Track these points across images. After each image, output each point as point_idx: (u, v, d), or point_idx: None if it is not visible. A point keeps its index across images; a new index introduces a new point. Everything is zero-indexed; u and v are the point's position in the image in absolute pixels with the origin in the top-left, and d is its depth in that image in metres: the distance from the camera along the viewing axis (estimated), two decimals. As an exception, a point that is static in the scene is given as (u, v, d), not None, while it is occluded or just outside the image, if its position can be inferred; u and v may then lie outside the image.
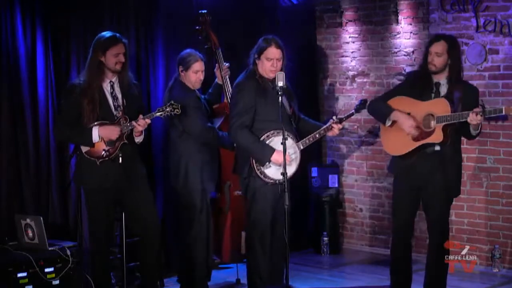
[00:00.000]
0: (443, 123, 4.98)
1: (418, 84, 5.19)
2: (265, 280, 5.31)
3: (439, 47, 5.09)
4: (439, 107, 5.02)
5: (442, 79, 5.15)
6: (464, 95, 5.05)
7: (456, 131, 5.08)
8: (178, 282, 5.84)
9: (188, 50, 5.62)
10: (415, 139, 5.09)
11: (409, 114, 5.13)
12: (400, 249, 5.37)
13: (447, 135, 5.01)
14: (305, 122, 5.44)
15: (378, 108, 5.30)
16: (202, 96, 5.78)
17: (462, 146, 6.47)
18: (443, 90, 5.14)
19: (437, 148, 5.10)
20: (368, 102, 5.46)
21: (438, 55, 5.09)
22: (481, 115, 4.85)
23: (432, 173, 5.12)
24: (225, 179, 5.99)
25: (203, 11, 6.07)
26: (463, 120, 4.90)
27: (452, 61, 5.11)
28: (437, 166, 5.11)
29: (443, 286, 5.35)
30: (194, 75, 5.52)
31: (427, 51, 5.14)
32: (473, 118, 4.85)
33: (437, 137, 5.02)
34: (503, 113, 4.85)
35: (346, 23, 7.23)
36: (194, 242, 5.55)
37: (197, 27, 6.05)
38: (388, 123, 5.22)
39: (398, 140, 5.17)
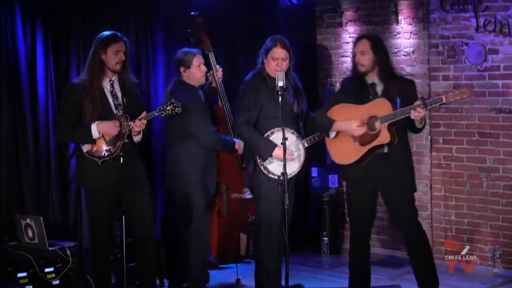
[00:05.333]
0: (388, 123, 4.97)
1: (354, 89, 5.16)
2: (273, 278, 5.33)
3: (361, 46, 5.13)
4: (380, 107, 5.01)
5: (375, 79, 5.15)
6: (401, 90, 5.05)
7: (400, 126, 5.05)
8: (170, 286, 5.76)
9: (182, 50, 5.57)
10: (362, 144, 5.06)
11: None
12: (359, 256, 5.34)
13: (393, 134, 5.00)
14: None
15: (320, 122, 5.25)
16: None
17: (462, 147, 6.54)
18: (380, 89, 5.13)
19: (386, 150, 5.07)
20: (312, 116, 5.44)
21: (363, 53, 5.10)
22: (422, 108, 4.85)
23: (387, 174, 5.09)
24: (221, 182, 5.98)
25: (194, 13, 5.98)
26: (406, 115, 4.91)
27: (378, 58, 5.10)
28: (390, 166, 5.08)
29: (436, 278, 5.24)
30: (198, 70, 5.49)
31: (354, 54, 5.17)
32: (416, 114, 4.86)
33: (384, 138, 5.00)
34: (443, 101, 4.87)
35: (346, 23, 7.23)
36: (190, 243, 5.50)
37: (189, 30, 5.97)
38: (332, 135, 5.20)
39: (346, 148, 5.14)
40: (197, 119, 5.37)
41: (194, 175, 5.45)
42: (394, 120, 4.94)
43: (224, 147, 5.57)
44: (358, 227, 5.29)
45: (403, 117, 4.92)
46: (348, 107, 5.13)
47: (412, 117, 4.89)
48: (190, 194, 5.47)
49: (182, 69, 5.50)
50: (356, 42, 5.20)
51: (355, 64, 5.16)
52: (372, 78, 5.14)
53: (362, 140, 5.06)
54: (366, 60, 5.10)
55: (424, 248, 5.19)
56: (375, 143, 5.02)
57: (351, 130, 5.07)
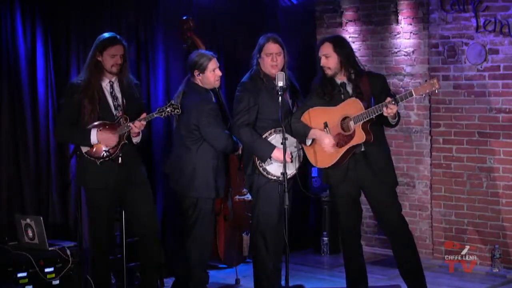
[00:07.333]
0: (361, 122, 4.95)
1: (324, 91, 5.14)
2: (272, 278, 5.33)
3: (324, 49, 5.10)
4: (352, 107, 5.00)
5: (344, 79, 5.13)
6: (372, 86, 5.05)
7: (375, 123, 5.03)
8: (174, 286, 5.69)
9: (197, 52, 5.46)
10: (339, 145, 5.06)
11: (326, 123, 5.10)
12: (353, 255, 5.35)
13: (368, 132, 4.98)
14: None
15: (297, 129, 5.22)
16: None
17: (462, 147, 6.54)
18: (350, 88, 5.12)
19: (363, 149, 5.06)
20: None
21: (327, 57, 5.08)
22: (393, 104, 4.83)
23: (366, 172, 5.09)
24: (227, 186, 5.93)
25: (185, 17, 5.89)
26: (379, 113, 4.89)
27: (343, 58, 5.08)
28: (369, 164, 5.07)
29: (422, 273, 5.24)
30: (213, 74, 5.36)
31: (318, 58, 5.13)
32: (388, 110, 4.83)
33: (359, 137, 4.98)
34: (414, 95, 4.85)
35: (346, 23, 7.23)
36: (191, 246, 5.41)
37: (184, 36, 5.86)
38: (309, 142, 5.20)
39: (324, 152, 5.13)
40: (216, 127, 5.28)
41: (207, 179, 5.33)
42: (367, 119, 4.94)
43: (233, 149, 5.51)
44: (347, 227, 5.30)
45: (376, 114, 4.91)
46: (322, 109, 5.13)
47: (384, 114, 4.87)
48: (199, 198, 5.35)
49: (196, 72, 5.36)
50: (319, 46, 5.17)
51: (321, 68, 5.13)
52: (341, 78, 5.13)
53: (339, 142, 5.06)
54: (332, 63, 5.08)
55: (409, 247, 5.18)
56: (352, 143, 5.02)
57: (324, 143, 5.08)
